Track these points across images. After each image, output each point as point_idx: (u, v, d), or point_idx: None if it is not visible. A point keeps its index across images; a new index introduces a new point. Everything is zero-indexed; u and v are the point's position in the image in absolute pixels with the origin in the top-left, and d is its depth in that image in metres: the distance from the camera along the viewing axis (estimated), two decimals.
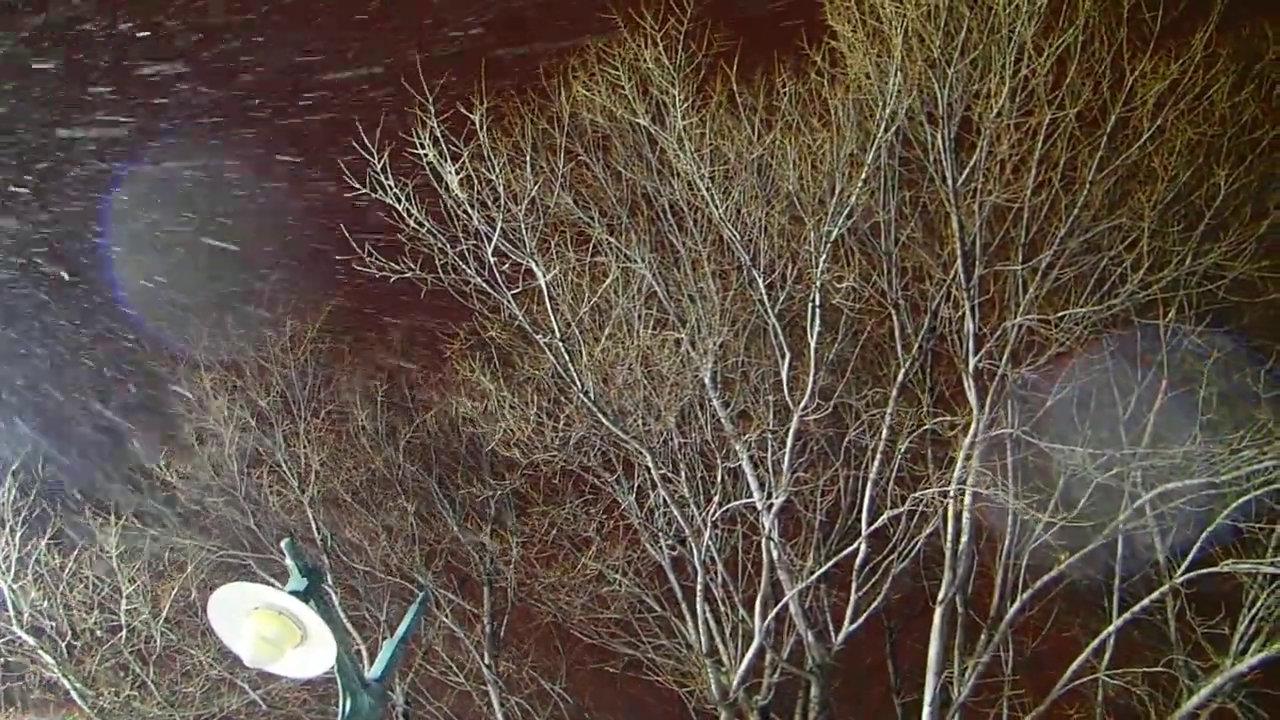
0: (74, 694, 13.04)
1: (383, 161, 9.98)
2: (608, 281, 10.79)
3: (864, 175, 10.30)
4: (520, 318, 10.71)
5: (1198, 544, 10.49)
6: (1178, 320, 10.69)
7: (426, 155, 10.10)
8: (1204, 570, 10.37)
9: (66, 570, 13.32)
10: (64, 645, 13.13)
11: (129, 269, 16.24)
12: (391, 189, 10.01)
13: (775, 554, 11.38)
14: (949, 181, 10.08)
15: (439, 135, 9.88)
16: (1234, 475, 9.77)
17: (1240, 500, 10.02)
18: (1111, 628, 11.01)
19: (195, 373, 14.67)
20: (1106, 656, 11.15)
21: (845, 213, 10.24)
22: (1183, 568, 10.53)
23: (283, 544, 6.30)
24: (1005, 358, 10.73)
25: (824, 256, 10.35)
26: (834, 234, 10.27)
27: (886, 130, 9.99)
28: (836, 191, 10.19)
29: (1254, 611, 10.27)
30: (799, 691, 12.49)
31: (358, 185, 9.96)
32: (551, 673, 13.99)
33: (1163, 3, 9.44)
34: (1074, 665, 11.01)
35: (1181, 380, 10.90)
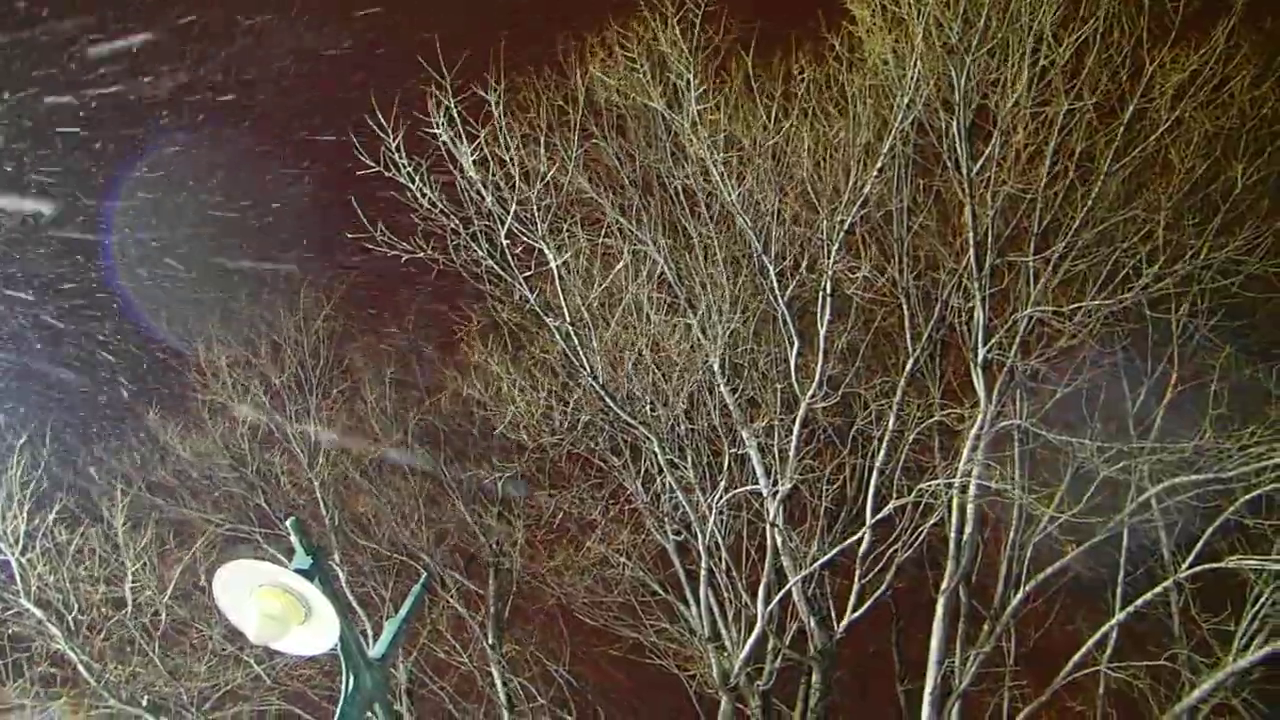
0: (80, 667, 12.82)
1: (398, 140, 9.69)
2: (619, 265, 10.50)
3: (879, 165, 10.00)
4: (532, 301, 10.42)
5: (1203, 539, 10.26)
6: (1190, 315, 10.42)
7: (441, 136, 9.82)
8: (1208, 566, 10.12)
9: (74, 544, 13.09)
10: (70, 619, 12.91)
11: (142, 243, 15.98)
12: (405, 168, 9.72)
13: (779, 540, 11.14)
14: (963, 170, 9.79)
15: (454, 115, 9.58)
16: (1242, 471, 9.53)
17: (1248, 496, 9.78)
18: (1114, 621, 10.77)
19: (210, 349, 14.43)
20: (1109, 649, 10.92)
21: (859, 202, 9.94)
22: (1187, 562, 10.29)
23: (288, 522, 6.13)
24: (1014, 349, 10.46)
25: (836, 245, 10.07)
26: (847, 223, 9.98)
27: (903, 121, 9.68)
28: (851, 180, 9.89)
29: (1258, 608, 10.03)
30: (801, 678, 12.28)
31: (372, 163, 9.67)
32: (555, 655, 13.77)
33: None
34: (1076, 657, 10.79)
35: (1191, 374, 10.66)
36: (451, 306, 12.91)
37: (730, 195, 10.16)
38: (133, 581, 12.95)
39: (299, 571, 5.84)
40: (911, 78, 9.37)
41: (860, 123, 9.96)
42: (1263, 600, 9.93)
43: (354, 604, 13.36)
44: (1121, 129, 9.76)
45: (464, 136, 9.74)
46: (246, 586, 5.87)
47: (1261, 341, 10.65)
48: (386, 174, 9.64)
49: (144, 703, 12.96)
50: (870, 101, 9.99)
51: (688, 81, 10.03)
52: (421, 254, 10.00)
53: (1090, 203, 9.92)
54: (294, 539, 6.03)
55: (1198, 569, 10.13)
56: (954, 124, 9.73)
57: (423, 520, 13.79)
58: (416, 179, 9.84)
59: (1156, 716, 10.46)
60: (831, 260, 10.13)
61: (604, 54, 10.74)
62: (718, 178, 10.15)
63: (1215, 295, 10.32)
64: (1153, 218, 9.87)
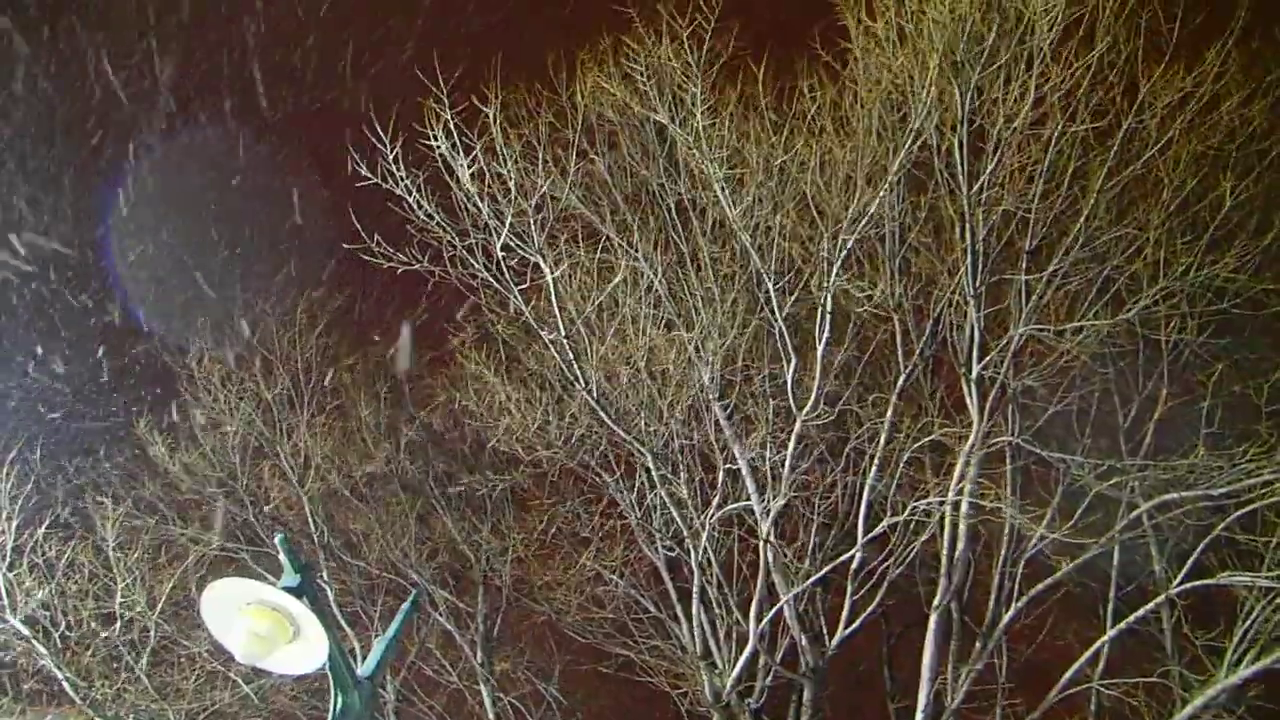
0: (66, 685, 12.20)
1: (394, 152, 9.29)
2: (615, 280, 10.09)
3: (884, 189, 9.64)
4: (527, 314, 9.99)
5: (1194, 555, 9.92)
6: (1180, 332, 10.13)
7: (439, 147, 9.41)
8: (1201, 582, 9.77)
9: (63, 560, 12.52)
10: (57, 636, 12.30)
11: (134, 258, 15.44)
12: (403, 180, 9.30)
13: (771, 557, 10.70)
14: (960, 188, 9.46)
15: (452, 128, 9.18)
16: (1234, 487, 9.21)
17: (1240, 512, 9.44)
18: (1106, 637, 10.38)
19: (200, 363, 13.89)
20: (1100, 665, 10.52)
21: (863, 223, 9.59)
22: (1179, 579, 9.93)
23: (276, 539, 5.77)
24: (1006, 366, 10.11)
25: (839, 264, 9.70)
26: (850, 242, 9.62)
27: (913, 144, 9.34)
28: (855, 200, 9.53)
29: (1250, 624, 9.66)
30: (792, 696, 11.81)
31: (369, 175, 9.26)
32: (545, 673, 13.22)
33: (1179, 15, 8.88)
34: (1068, 674, 10.38)
35: (1183, 391, 10.37)
36: (444, 321, 12.49)
37: (732, 211, 9.76)
38: (122, 597, 12.38)
39: (287, 589, 5.46)
40: (925, 102, 9.00)
41: (865, 142, 9.60)
42: (1255, 616, 9.55)
43: (342, 622, 12.80)
44: (1115, 148, 9.45)
45: (461, 149, 9.34)
46: (234, 604, 5.51)
47: (1252, 358, 10.39)
48: (384, 185, 9.23)
49: None
50: (875, 120, 9.63)
51: (693, 95, 9.65)
52: (418, 266, 9.58)
53: (1082, 220, 9.60)
54: (283, 556, 5.68)
55: (1190, 585, 9.75)
56: (952, 142, 9.39)
57: (412, 537, 13.25)
58: (414, 192, 9.43)
59: None
60: (833, 279, 9.75)
61: (599, 69, 10.37)
62: (719, 192, 9.77)
63: (1205, 312, 10.04)
64: (1143, 235, 9.57)
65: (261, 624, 5.43)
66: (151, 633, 12.49)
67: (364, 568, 13.39)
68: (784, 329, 10.11)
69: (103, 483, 13.53)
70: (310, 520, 13.10)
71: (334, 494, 13.51)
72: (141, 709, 12.39)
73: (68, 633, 12.39)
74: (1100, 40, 8.98)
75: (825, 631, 11.25)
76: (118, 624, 12.46)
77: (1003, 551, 10.77)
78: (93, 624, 12.55)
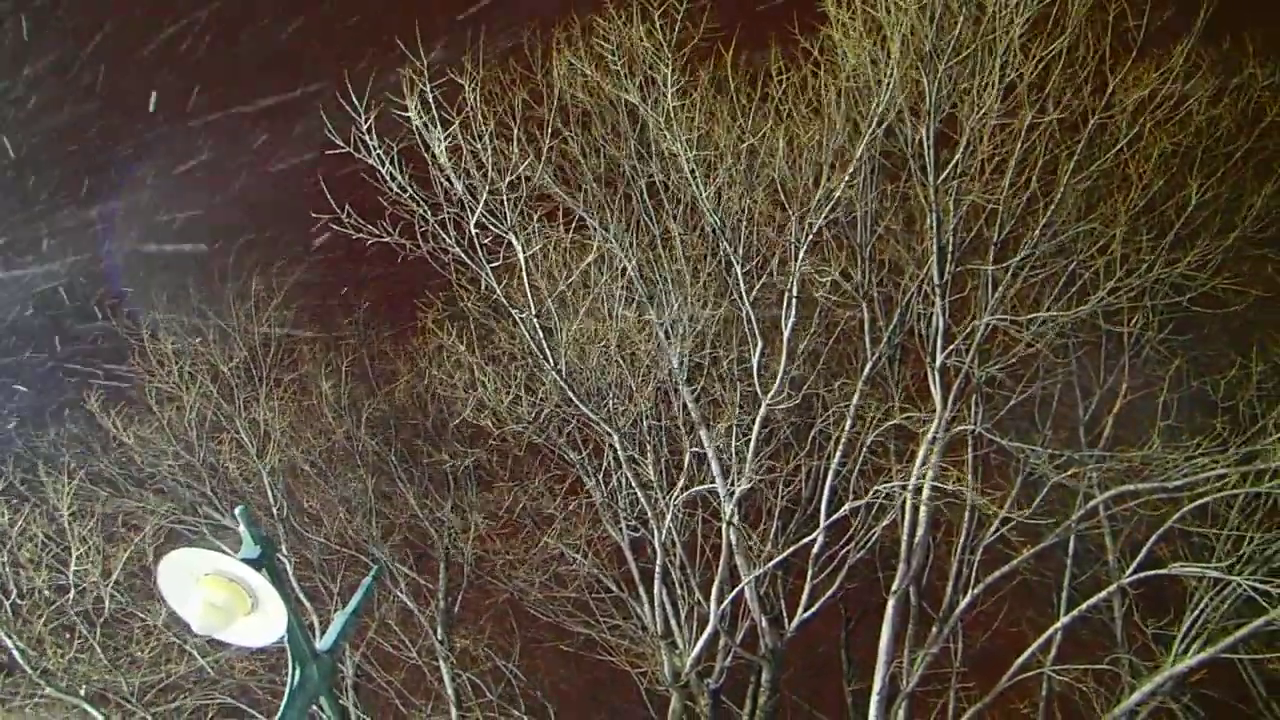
0: (16, 654, 11.99)
1: (369, 123, 9.15)
2: (587, 260, 10.05)
3: (850, 170, 9.66)
4: (497, 291, 9.91)
5: (1147, 546, 10.13)
6: (1141, 327, 10.30)
7: (413, 120, 9.28)
8: (1152, 572, 9.99)
9: (16, 528, 12.28)
10: (9, 604, 12.09)
11: (90, 228, 15.09)
12: (375, 150, 9.18)
13: (734, 539, 10.77)
14: (929, 178, 9.51)
15: (429, 100, 9.06)
16: (1187, 480, 9.40)
17: (1191, 505, 9.66)
18: (1058, 624, 10.58)
19: (156, 335, 13.61)
20: (1053, 652, 10.74)
21: (829, 205, 9.61)
22: (1131, 568, 10.14)
23: (236, 511, 5.77)
24: (971, 355, 10.23)
25: (804, 248, 9.72)
26: (816, 226, 9.64)
27: (878, 126, 9.36)
28: (821, 183, 9.55)
29: (1198, 613, 9.90)
30: (750, 676, 11.93)
31: (342, 144, 9.12)
32: (505, 650, 13.22)
33: (1148, 12, 8.98)
34: (1021, 659, 10.57)
35: (1142, 385, 10.55)
36: (408, 296, 12.36)
37: (701, 193, 9.75)
38: (76, 566, 12.17)
39: (247, 561, 5.42)
40: (887, 85, 9.04)
41: (833, 126, 9.62)
42: (1203, 607, 9.80)
43: (301, 596, 12.70)
44: (1083, 143, 9.55)
45: (437, 123, 9.23)
46: (191, 574, 5.45)
47: (1210, 355, 10.60)
48: (356, 155, 9.10)
49: (82, 691, 12.20)
50: (843, 105, 9.65)
51: (664, 76, 9.60)
52: (388, 239, 9.46)
53: (1049, 214, 9.70)
54: (242, 527, 5.67)
55: (1141, 575, 9.98)
56: (922, 131, 9.43)
57: (373, 512, 13.16)
58: (387, 162, 9.31)
59: (1098, 718, 10.29)
60: (798, 262, 9.78)
61: (571, 49, 10.29)
62: (689, 174, 9.74)
63: (1167, 309, 10.22)
64: (1109, 231, 9.70)
65: (219, 595, 5.38)
66: (106, 603, 12.30)
67: (323, 543, 13.27)
68: (751, 312, 10.13)
69: (55, 455, 13.24)
70: (269, 494, 12.95)
71: (293, 468, 13.35)
72: (94, 680, 12.22)
73: (19, 600, 12.18)
74: (1069, 33, 9.02)
75: (785, 614, 11.37)
76: (71, 593, 12.25)
77: (961, 539, 10.92)
78: (46, 592, 12.34)
